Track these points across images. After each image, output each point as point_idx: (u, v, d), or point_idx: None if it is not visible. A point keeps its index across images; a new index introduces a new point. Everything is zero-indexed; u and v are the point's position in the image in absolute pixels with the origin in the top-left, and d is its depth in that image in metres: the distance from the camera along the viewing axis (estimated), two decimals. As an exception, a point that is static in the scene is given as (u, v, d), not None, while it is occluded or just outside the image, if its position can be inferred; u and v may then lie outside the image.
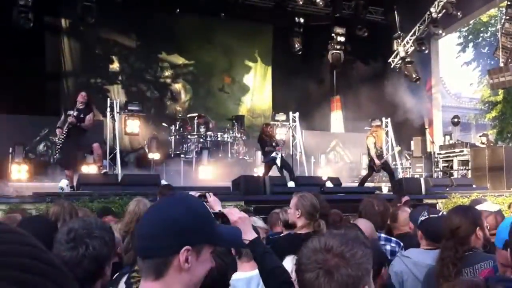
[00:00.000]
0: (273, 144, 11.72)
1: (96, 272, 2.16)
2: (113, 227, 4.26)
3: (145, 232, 1.46)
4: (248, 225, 2.28)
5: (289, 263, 2.96)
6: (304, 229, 3.73)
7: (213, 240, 1.50)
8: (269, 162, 11.69)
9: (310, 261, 1.54)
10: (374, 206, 4.46)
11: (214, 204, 3.77)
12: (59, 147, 9.47)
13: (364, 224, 3.80)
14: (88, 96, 9.84)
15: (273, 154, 11.60)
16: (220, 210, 3.70)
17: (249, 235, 2.25)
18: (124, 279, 2.63)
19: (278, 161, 11.67)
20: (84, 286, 2.12)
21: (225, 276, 2.22)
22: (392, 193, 10.81)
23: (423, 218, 3.54)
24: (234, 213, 2.12)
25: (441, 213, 3.63)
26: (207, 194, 3.93)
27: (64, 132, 9.29)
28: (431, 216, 3.53)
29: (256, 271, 2.51)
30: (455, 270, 2.78)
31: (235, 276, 2.91)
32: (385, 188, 12.79)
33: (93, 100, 10.89)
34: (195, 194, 4.04)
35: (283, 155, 12.06)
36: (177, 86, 18.25)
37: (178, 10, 16.41)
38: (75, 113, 9.31)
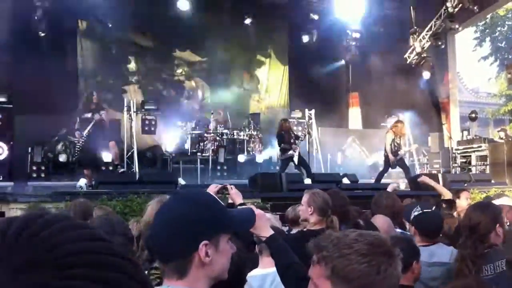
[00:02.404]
0: (291, 140, 11.77)
1: None
2: (130, 225, 4.34)
3: (159, 236, 1.48)
4: (265, 222, 2.30)
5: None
6: (317, 226, 3.74)
7: (227, 228, 1.51)
8: (286, 160, 11.75)
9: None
10: (383, 200, 4.48)
11: (236, 196, 3.81)
12: (79, 148, 9.67)
13: (381, 221, 3.80)
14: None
15: (290, 152, 11.64)
16: (240, 204, 3.75)
17: (266, 232, 2.27)
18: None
19: (295, 158, 11.72)
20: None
21: (242, 271, 2.24)
22: (409, 189, 10.76)
23: (416, 213, 3.51)
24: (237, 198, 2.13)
25: (433, 207, 3.62)
26: (228, 186, 3.97)
27: (85, 135, 9.51)
28: (424, 211, 3.51)
29: (274, 268, 2.53)
30: (475, 268, 2.76)
31: (251, 273, 2.93)
32: (403, 184, 12.72)
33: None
34: (217, 186, 4.09)
35: (300, 152, 12.08)
36: (194, 84, 18.32)
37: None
38: (103, 113, 9.57)
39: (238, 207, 3.66)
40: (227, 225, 1.52)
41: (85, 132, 10.01)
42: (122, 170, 10.92)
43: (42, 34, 14.19)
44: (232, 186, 3.92)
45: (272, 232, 2.30)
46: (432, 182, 5.44)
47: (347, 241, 1.50)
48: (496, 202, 4.09)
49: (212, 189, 4.06)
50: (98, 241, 0.59)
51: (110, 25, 15.63)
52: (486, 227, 2.90)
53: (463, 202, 5.56)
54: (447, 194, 5.25)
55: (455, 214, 5.47)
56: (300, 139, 12.34)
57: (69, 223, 0.58)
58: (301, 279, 2.23)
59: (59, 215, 0.58)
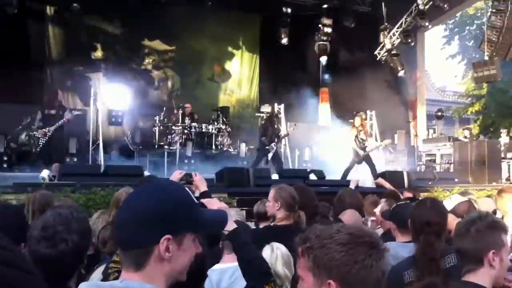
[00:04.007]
0: (273, 137, 11.92)
1: (76, 264, 2.16)
2: (93, 218, 4.25)
3: (123, 222, 1.41)
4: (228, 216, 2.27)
5: (268, 252, 2.96)
6: (284, 221, 3.72)
7: (195, 227, 1.45)
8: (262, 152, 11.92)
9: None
10: (346, 198, 4.52)
11: (200, 183, 3.77)
12: (42, 143, 9.64)
13: (349, 216, 3.80)
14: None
15: (268, 147, 11.83)
16: (204, 191, 3.70)
17: (228, 226, 2.23)
18: (101, 268, 2.61)
19: (270, 154, 11.83)
20: (64, 279, 2.11)
21: (203, 266, 2.20)
22: (375, 186, 10.87)
23: (391, 208, 3.55)
24: (213, 203, 2.09)
25: (407, 202, 3.66)
26: (192, 173, 3.93)
27: (50, 132, 9.49)
28: (398, 204, 3.54)
29: (234, 263, 2.50)
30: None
31: (212, 268, 2.90)
32: (369, 181, 12.83)
33: None
34: (181, 173, 4.04)
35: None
36: (164, 75, 18.15)
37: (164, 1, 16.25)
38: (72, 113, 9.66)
39: (202, 195, 3.62)
40: (196, 224, 1.45)
41: (52, 130, 10.00)
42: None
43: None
44: (196, 173, 3.88)
45: (234, 225, 2.26)
46: (386, 185, 5.54)
47: (329, 232, 1.53)
48: (449, 202, 4.17)
49: (176, 175, 4.00)
50: None
51: (78, 11, 15.30)
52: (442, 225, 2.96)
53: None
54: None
55: None
56: (281, 138, 12.47)
57: None
58: (262, 274, 2.21)
59: None
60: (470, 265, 2.18)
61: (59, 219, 2.21)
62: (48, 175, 8.79)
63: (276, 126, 12.50)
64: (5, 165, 11.89)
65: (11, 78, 13.41)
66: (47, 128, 11.21)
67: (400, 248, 3.28)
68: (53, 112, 11.59)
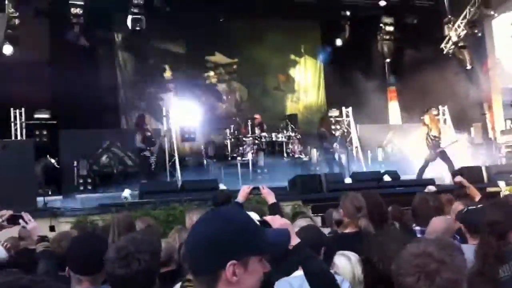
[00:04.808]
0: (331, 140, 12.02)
1: (149, 283, 2.34)
2: (172, 235, 4.48)
3: (191, 248, 1.54)
4: (290, 232, 2.36)
5: (343, 260, 3.05)
6: (349, 228, 3.79)
7: (258, 250, 1.53)
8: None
9: (409, 265, 1.67)
10: (429, 202, 4.38)
11: (268, 195, 3.91)
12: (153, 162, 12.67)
13: (439, 225, 3.69)
14: None
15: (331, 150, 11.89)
16: (272, 203, 3.82)
17: (292, 241, 2.33)
18: (179, 285, 2.78)
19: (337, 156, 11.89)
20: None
21: (269, 280, 2.29)
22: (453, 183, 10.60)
23: (464, 211, 3.50)
24: (275, 221, 2.19)
25: (480, 205, 3.58)
26: (260, 186, 4.07)
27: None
28: (468, 208, 3.49)
29: None
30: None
31: (294, 273, 2.99)
32: (447, 178, 12.50)
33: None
34: (249, 187, 4.19)
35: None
36: (231, 88, 18.49)
37: (222, 19, 16.63)
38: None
39: (271, 207, 3.74)
40: (259, 248, 1.53)
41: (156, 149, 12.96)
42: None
43: (85, 44, 14.63)
44: (263, 186, 4.00)
45: (298, 240, 2.35)
46: (466, 183, 5.36)
47: None
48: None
49: (244, 190, 4.15)
50: None
51: (145, 35, 15.96)
52: (506, 225, 2.83)
53: None
54: (476, 195, 5.17)
55: None
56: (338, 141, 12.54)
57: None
58: (328, 286, 2.29)
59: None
60: None
61: (132, 241, 2.42)
62: (130, 194, 9.22)
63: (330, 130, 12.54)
64: (89, 187, 12.54)
65: (88, 104, 14.12)
66: (150, 148, 12.96)
67: (469, 250, 3.24)
68: (148, 134, 13.06)
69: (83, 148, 13.11)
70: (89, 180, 12.70)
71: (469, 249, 3.18)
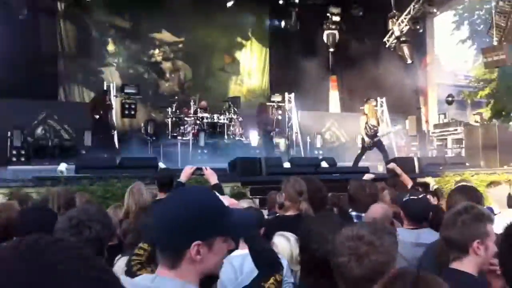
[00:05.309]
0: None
1: (99, 252, 2.34)
2: (109, 210, 4.46)
3: (159, 227, 1.56)
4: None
5: (282, 241, 3.15)
6: (290, 211, 3.89)
7: (223, 232, 1.56)
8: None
9: (343, 247, 1.80)
10: (366, 189, 4.57)
11: (210, 176, 3.96)
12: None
13: (377, 212, 3.88)
14: None
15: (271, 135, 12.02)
16: (214, 184, 3.87)
17: None
18: (123, 260, 2.78)
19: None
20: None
21: None
22: (386, 172, 10.97)
23: (405, 198, 3.72)
24: (224, 201, 2.23)
25: (422, 195, 3.80)
26: (203, 167, 4.11)
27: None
28: (411, 197, 3.70)
29: None
30: None
31: (233, 253, 3.06)
32: (380, 167, 12.93)
33: None
34: (192, 167, 4.23)
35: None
36: (176, 67, 18.29)
37: None
38: None
39: (213, 187, 3.79)
40: (224, 229, 1.57)
41: None
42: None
43: (21, 17, 13.99)
44: (206, 167, 4.04)
45: None
46: (398, 170, 5.63)
47: None
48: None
49: (187, 170, 4.18)
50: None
51: (88, 7, 15.52)
52: None
53: None
54: (408, 183, 5.44)
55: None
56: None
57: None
58: (272, 263, 2.37)
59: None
60: (456, 254, 2.33)
61: (83, 211, 2.42)
62: (66, 168, 9.01)
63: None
64: (22, 159, 12.14)
65: (25, 74, 13.64)
66: None
67: (406, 233, 3.48)
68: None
69: (18, 119, 12.65)
70: (23, 152, 12.27)
71: (403, 232, 3.51)
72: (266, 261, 2.35)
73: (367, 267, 1.73)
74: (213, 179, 3.97)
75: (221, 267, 1.61)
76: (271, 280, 2.23)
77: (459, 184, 5.16)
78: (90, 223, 2.33)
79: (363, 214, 4.12)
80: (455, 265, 2.33)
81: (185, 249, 1.49)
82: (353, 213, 4.42)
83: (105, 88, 13.89)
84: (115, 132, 13.21)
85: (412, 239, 3.41)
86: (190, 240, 1.48)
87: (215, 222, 1.55)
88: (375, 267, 1.73)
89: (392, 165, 5.96)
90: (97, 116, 12.70)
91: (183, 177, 4.19)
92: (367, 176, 5.65)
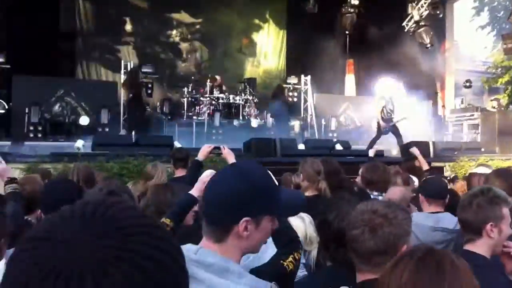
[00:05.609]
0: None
1: None
2: (132, 186, 4.52)
3: (211, 201, 1.58)
4: None
5: (298, 221, 3.19)
6: (308, 191, 3.91)
7: (272, 211, 1.59)
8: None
9: (357, 220, 1.85)
10: (380, 169, 4.57)
11: (228, 156, 3.98)
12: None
13: (396, 194, 3.86)
14: None
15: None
16: (232, 164, 3.90)
17: None
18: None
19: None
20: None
21: None
22: (400, 156, 10.95)
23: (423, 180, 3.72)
24: None
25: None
26: (221, 147, 4.14)
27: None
28: (427, 177, 3.70)
29: None
30: None
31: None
32: (394, 150, 12.89)
33: None
34: (210, 146, 4.26)
35: None
36: (193, 47, 18.30)
37: None
38: None
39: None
40: (274, 208, 1.60)
41: None
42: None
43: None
44: (224, 146, 4.07)
45: None
46: (417, 154, 5.68)
47: None
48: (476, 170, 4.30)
49: (205, 149, 4.21)
50: (147, 218, 0.74)
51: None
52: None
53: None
54: (424, 166, 5.48)
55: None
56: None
57: (126, 205, 0.74)
58: (291, 241, 2.41)
59: (117, 200, 0.75)
60: (470, 235, 2.36)
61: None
62: (83, 145, 9.10)
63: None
64: (39, 135, 12.30)
65: (42, 51, 13.73)
66: None
67: (424, 217, 3.48)
68: None
69: (36, 95, 12.79)
70: (40, 128, 12.43)
71: (422, 216, 3.51)
72: (285, 239, 2.38)
73: (380, 239, 1.77)
74: (231, 158, 3.98)
75: (261, 245, 1.63)
76: (290, 258, 2.26)
77: (499, 168, 5.12)
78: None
79: (383, 194, 4.14)
80: (468, 246, 2.36)
81: (234, 224, 1.51)
82: (375, 193, 4.43)
83: (132, 67, 13.96)
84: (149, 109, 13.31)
85: (431, 223, 3.41)
86: (240, 215, 1.50)
87: (267, 200, 1.57)
88: (388, 239, 1.77)
89: (413, 149, 6.00)
90: (131, 95, 12.80)
91: (200, 156, 4.20)
92: (371, 152, 5.73)
